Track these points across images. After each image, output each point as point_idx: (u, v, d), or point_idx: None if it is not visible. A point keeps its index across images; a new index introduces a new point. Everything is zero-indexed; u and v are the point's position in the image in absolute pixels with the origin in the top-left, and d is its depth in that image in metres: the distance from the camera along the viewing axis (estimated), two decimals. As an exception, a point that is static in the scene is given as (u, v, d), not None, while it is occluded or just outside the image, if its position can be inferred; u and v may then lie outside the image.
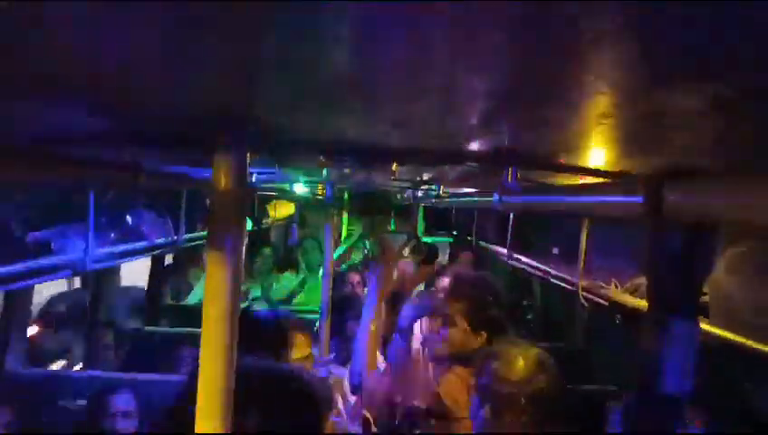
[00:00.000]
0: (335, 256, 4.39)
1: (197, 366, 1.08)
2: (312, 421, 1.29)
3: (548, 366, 1.80)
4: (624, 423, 1.37)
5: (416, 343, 2.79)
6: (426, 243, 6.55)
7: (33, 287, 3.33)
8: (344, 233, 6.49)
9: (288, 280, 5.91)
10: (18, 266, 2.18)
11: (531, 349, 1.86)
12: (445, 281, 3.79)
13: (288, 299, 5.50)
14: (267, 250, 6.05)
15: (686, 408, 1.23)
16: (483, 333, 2.32)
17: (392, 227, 7.26)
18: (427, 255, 5.60)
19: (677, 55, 0.58)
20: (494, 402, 1.75)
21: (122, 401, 2.83)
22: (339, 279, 4.35)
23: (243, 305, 4.33)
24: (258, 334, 1.62)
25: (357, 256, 5.89)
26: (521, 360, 1.79)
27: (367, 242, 5.31)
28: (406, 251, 5.64)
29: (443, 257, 6.13)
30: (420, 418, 2.22)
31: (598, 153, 1.38)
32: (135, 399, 2.85)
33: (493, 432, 1.74)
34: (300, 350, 2.10)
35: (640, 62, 0.62)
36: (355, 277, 4.45)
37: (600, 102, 0.83)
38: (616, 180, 1.48)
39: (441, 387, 2.29)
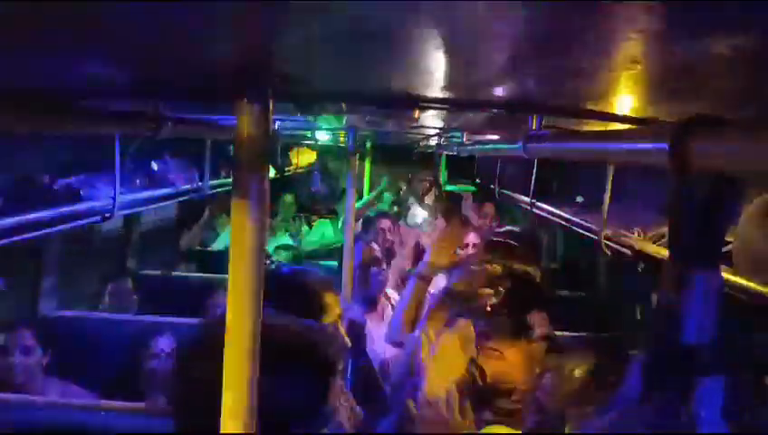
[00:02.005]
0: (359, 205, 4.39)
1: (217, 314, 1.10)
2: (316, 382, 1.29)
3: (603, 381, 1.76)
4: (644, 373, 1.38)
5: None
6: (447, 192, 6.55)
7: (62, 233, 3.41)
8: (366, 182, 6.50)
9: (323, 227, 5.90)
10: (48, 213, 2.23)
11: (588, 364, 1.80)
12: (471, 236, 3.79)
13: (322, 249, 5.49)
14: (289, 197, 6.07)
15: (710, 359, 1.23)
16: (499, 289, 2.30)
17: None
18: (448, 205, 5.60)
19: (708, 2, 0.57)
20: (550, 418, 1.73)
21: (165, 343, 2.92)
22: (368, 224, 4.31)
23: (270, 255, 4.39)
24: (285, 299, 1.56)
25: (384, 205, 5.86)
26: (577, 380, 1.75)
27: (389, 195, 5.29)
28: (428, 199, 5.63)
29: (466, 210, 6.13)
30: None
31: (624, 100, 1.36)
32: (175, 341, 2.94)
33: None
34: (330, 313, 2.03)
35: (670, 9, 0.61)
36: (386, 222, 4.28)
37: (629, 49, 0.82)
38: (641, 127, 1.46)
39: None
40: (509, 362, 2.12)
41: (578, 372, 1.75)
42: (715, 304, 1.17)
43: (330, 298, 2.02)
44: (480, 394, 2.09)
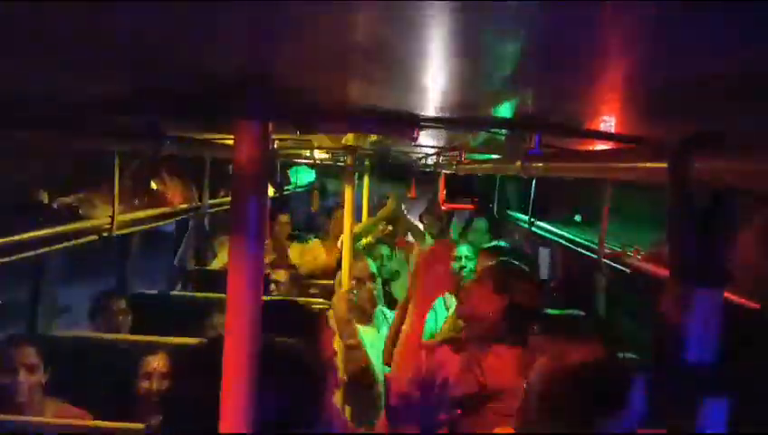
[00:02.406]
0: (357, 229, 4.38)
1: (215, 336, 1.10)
2: (308, 396, 1.31)
3: (608, 364, 1.72)
4: (647, 394, 1.37)
5: None
6: (444, 212, 6.55)
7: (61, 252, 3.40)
8: (365, 200, 6.50)
9: (312, 251, 5.88)
10: (46, 232, 2.23)
11: (589, 347, 1.76)
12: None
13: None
14: (285, 217, 6.04)
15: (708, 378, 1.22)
16: (503, 295, 2.32)
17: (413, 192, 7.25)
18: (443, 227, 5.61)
19: (705, 22, 0.57)
20: (550, 401, 1.67)
21: (159, 362, 2.89)
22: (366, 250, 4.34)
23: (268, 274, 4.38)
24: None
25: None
26: (580, 356, 1.69)
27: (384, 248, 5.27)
28: (422, 224, 5.62)
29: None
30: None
31: (623, 119, 1.37)
32: (168, 361, 2.91)
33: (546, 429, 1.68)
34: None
35: (667, 29, 0.61)
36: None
37: (626, 68, 0.82)
38: (641, 146, 1.46)
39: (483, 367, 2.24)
40: (508, 368, 2.14)
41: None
42: (717, 323, 1.16)
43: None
44: (482, 395, 2.11)
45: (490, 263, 2.58)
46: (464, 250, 4.06)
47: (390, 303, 4.04)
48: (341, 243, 4.26)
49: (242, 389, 1.09)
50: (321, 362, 1.37)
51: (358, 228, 4.54)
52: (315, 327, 1.95)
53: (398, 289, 4.98)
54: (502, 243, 3.93)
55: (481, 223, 5.73)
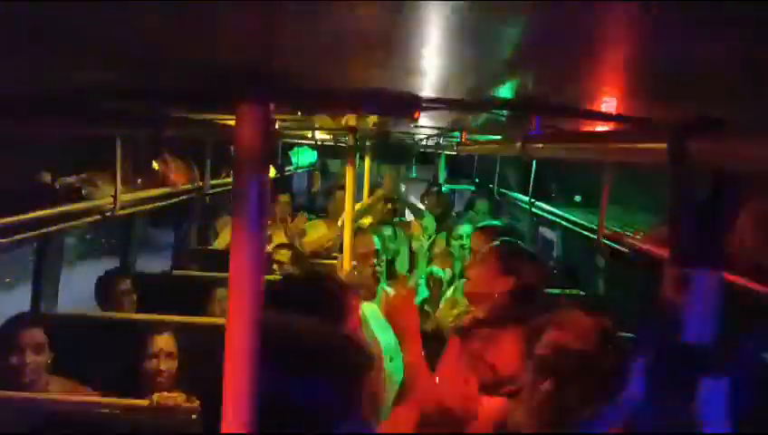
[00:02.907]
0: (357, 208, 4.38)
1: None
2: (347, 383, 1.25)
3: (610, 335, 1.71)
4: (646, 373, 1.37)
5: None
6: (445, 193, 6.55)
7: (63, 231, 3.41)
8: (366, 181, 6.50)
9: (317, 229, 5.89)
10: (48, 212, 2.24)
11: (591, 317, 1.75)
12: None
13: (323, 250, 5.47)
14: (285, 197, 6.04)
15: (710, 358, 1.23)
16: (510, 277, 2.32)
17: (414, 174, 7.24)
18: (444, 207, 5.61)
19: (707, 6, 0.57)
20: (556, 375, 1.65)
21: (165, 342, 2.91)
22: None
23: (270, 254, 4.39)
24: (307, 304, 1.50)
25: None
26: (585, 330, 1.68)
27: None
28: (425, 201, 5.64)
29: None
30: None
31: (623, 101, 1.37)
32: (176, 340, 2.93)
33: (552, 404, 1.66)
34: (353, 317, 1.95)
35: (667, 9, 0.61)
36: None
37: (626, 49, 0.82)
38: (640, 128, 1.47)
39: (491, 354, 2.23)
40: (509, 351, 2.15)
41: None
42: (716, 305, 1.17)
43: (353, 302, 1.94)
44: (489, 383, 2.12)
45: (486, 242, 2.59)
46: (466, 229, 4.08)
47: (393, 279, 4.07)
48: (342, 222, 4.26)
49: (245, 369, 1.11)
50: (357, 349, 1.31)
51: (358, 206, 4.55)
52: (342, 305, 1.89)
53: (401, 266, 5.02)
54: (496, 222, 3.94)
55: (482, 204, 5.75)
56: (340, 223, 5.95)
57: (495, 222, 3.93)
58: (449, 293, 3.96)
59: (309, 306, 1.40)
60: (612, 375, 1.60)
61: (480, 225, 3.72)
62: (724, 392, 1.23)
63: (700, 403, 1.25)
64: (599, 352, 1.64)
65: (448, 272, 4.35)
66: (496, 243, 2.48)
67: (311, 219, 6.07)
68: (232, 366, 1.11)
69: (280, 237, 5.36)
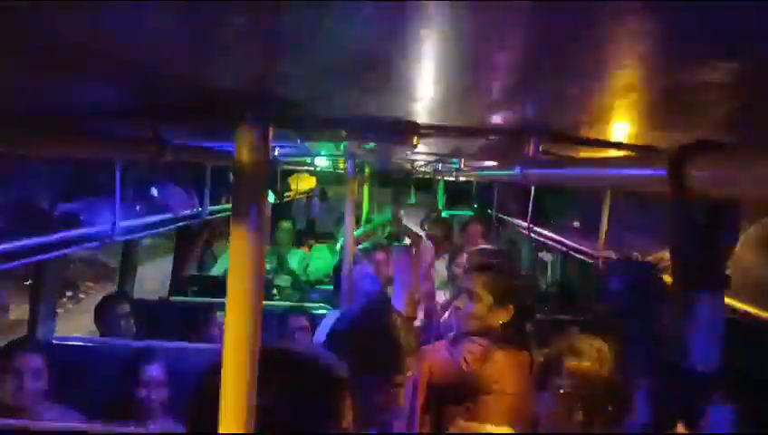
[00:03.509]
0: (357, 232, 4.38)
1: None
2: (329, 405, 1.28)
3: (618, 360, 1.69)
4: (650, 400, 1.36)
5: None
6: (445, 218, 6.55)
7: (62, 258, 3.40)
8: (365, 207, 6.50)
9: (322, 254, 5.86)
10: (47, 238, 2.23)
11: (599, 342, 1.72)
12: (463, 257, 3.79)
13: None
14: (287, 223, 6.04)
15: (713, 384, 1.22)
16: (509, 306, 2.29)
17: (413, 199, 7.25)
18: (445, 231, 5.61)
19: (703, 30, 0.57)
20: (585, 405, 1.63)
21: (154, 370, 2.88)
22: (364, 254, 4.30)
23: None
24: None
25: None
26: (601, 355, 1.66)
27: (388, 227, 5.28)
28: (425, 227, 5.64)
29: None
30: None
31: (621, 127, 1.37)
32: (166, 368, 2.90)
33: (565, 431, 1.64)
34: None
35: (665, 37, 0.61)
36: (381, 255, 4.33)
37: (624, 76, 0.83)
38: (640, 154, 1.47)
39: (470, 361, 2.22)
40: (500, 367, 2.14)
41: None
42: (720, 330, 1.16)
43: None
44: (468, 388, 2.11)
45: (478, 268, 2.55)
46: None
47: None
48: (341, 247, 4.25)
49: (242, 392, 1.09)
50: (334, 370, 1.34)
51: (358, 232, 4.55)
52: None
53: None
54: (484, 246, 3.93)
55: (476, 228, 5.73)
56: (338, 247, 5.94)
57: (484, 246, 3.92)
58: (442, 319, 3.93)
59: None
60: (628, 398, 1.59)
61: (471, 249, 3.71)
62: (729, 419, 1.22)
63: (706, 430, 1.24)
64: (616, 375, 1.63)
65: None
66: (489, 275, 2.41)
67: (309, 246, 6.07)
68: (228, 391, 1.09)
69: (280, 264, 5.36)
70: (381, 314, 1.67)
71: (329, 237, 6.73)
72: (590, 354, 1.68)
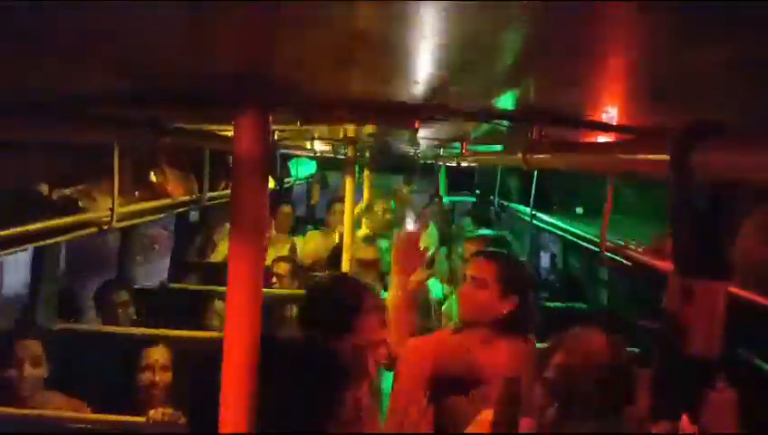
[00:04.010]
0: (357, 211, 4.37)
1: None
2: (332, 392, 1.29)
3: (620, 355, 1.69)
4: (653, 387, 1.35)
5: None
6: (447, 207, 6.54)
7: (60, 244, 3.39)
8: (365, 192, 6.49)
9: (313, 239, 5.86)
10: (45, 224, 2.22)
11: (601, 336, 1.72)
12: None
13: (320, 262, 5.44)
14: (287, 208, 6.02)
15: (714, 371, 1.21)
16: (515, 295, 2.26)
17: (414, 186, 7.23)
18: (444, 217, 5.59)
19: (706, 12, 0.56)
20: (562, 398, 1.64)
21: (159, 354, 2.88)
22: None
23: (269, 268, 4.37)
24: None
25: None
26: (594, 351, 1.67)
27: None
28: (428, 214, 5.63)
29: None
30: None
31: (624, 110, 1.36)
32: (170, 352, 2.90)
33: (561, 429, 1.65)
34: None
35: (669, 19, 0.60)
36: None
37: (628, 59, 0.81)
38: (642, 138, 1.46)
39: (480, 357, 2.20)
40: (505, 355, 2.13)
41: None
42: (722, 316, 1.15)
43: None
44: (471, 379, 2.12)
45: (477, 249, 2.54)
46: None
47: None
48: (339, 234, 4.24)
49: (243, 379, 1.09)
50: (334, 358, 1.34)
51: (356, 210, 4.55)
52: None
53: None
54: (487, 231, 3.91)
55: (476, 217, 5.72)
56: (336, 235, 5.94)
57: (487, 231, 3.90)
58: (444, 307, 3.92)
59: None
60: (622, 391, 1.59)
61: (468, 236, 3.68)
62: (731, 405, 1.21)
63: (707, 416, 1.23)
64: (608, 370, 1.63)
65: (446, 289, 4.32)
66: (496, 263, 2.34)
67: (308, 230, 6.05)
68: (229, 379, 1.09)
69: (280, 250, 5.34)
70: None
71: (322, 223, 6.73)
72: (580, 349, 1.68)
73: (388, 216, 5.55)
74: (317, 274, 4.91)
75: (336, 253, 4.59)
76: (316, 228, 6.15)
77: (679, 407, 1.23)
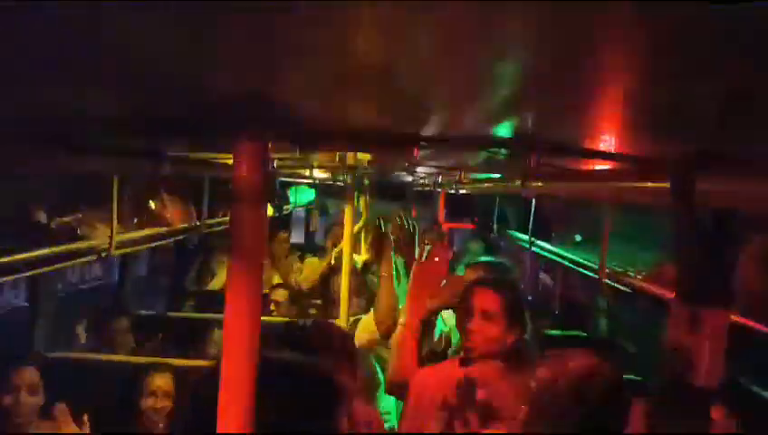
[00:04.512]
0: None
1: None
2: (328, 411, 1.30)
3: (607, 376, 1.69)
4: (656, 414, 1.34)
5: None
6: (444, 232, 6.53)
7: (58, 272, 3.38)
8: (363, 218, 6.49)
9: (311, 264, 5.86)
10: (43, 251, 2.21)
11: (589, 358, 1.73)
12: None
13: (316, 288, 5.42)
14: (284, 235, 6.02)
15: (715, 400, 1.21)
16: (518, 327, 2.23)
17: (412, 212, 7.23)
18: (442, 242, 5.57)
19: (703, 43, 0.57)
20: (554, 417, 1.65)
21: (163, 380, 2.86)
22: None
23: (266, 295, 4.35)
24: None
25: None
26: (579, 368, 1.67)
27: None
28: (426, 241, 5.61)
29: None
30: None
31: (624, 139, 1.36)
32: (173, 379, 2.87)
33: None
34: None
35: (666, 49, 0.60)
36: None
37: (626, 88, 0.82)
38: (643, 166, 1.46)
39: (486, 387, 2.16)
40: (503, 386, 2.10)
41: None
42: (724, 344, 1.15)
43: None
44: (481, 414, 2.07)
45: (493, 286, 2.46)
46: (460, 271, 3.99)
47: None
48: (335, 254, 4.21)
49: (240, 408, 1.08)
50: (323, 374, 1.35)
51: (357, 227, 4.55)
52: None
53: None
54: (487, 258, 3.89)
55: (477, 244, 5.71)
56: (335, 253, 5.92)
57: (487, 258, 3.88)
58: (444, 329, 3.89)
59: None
60: (607, 412, 1.59)
61: (468, 262, 3.65)
62: (733, 430, 1.20)
63: None
64: (590, 388, 1.63)
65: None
66: (502, 294, 2.27)
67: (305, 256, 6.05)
68: (227, 409, 1.08)
69: (277, 277, 5.33)
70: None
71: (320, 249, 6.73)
72: (557, 366, 1.68)
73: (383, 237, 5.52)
74: (314, 301, 4.90)
75: (326, 277, 4.57)
76: (314, 255, 6.14)
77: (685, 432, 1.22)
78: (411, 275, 2.54)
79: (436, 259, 2.48)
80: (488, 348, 2.19)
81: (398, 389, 2.34)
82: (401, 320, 2.42)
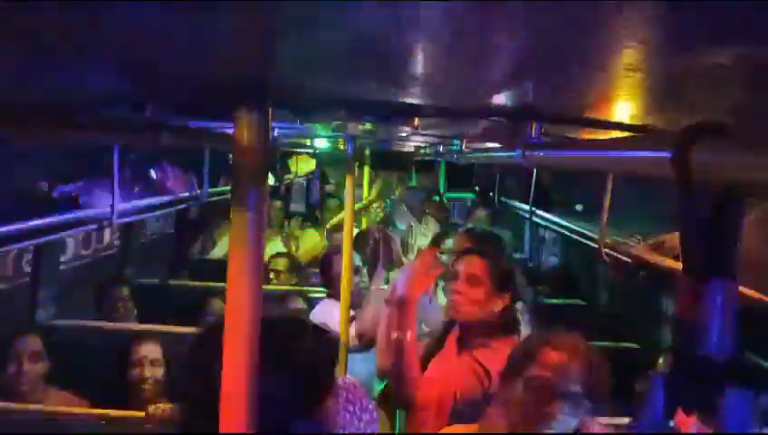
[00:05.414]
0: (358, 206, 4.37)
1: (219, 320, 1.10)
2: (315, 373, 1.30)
3: (596, 361, 1.69)
4: (667, 390, 1.34)
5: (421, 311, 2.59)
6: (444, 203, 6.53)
7: (60, 241, 3.40)
8: (365, 189, 6.49)
9: (311, 238, 5.89)
10: (45, 220, 2.22)
11: (576, 341, 1.72)
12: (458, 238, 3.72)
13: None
14: (278, 204, 6.02)
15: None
16: (507, 293, 2.22)
17: (414, 182, 7.23)
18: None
19: (708, 12, 0.56)
20: (537, 394, 1.64)
21: (148, 349, 2.86)
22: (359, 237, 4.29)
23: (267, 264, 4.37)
24: None
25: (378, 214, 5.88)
26: (586, 351, 1.68)
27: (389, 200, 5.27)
28: (427, 209, 5.62)
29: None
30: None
31: (625, 108, 1.36)
32: (162, 348, 2.88)
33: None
34: None
35: (670, 17, 0.60)
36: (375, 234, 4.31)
37: (628, 56, 0.81)
38: (643, 135, 1.46)
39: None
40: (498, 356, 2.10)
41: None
42: (734, 316, 1.15)
43: None
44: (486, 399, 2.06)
45: (479, 251, 2.43)
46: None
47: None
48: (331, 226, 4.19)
49: (242, 379, 1.09)
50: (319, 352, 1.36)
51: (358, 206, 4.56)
52: None
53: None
54: (477, 226, 3.90)
55: (481, 213, 5.73)
56: (328, 226, 5.94)
57: (476, 226, 3.89)
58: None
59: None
60: (604, 393, 1.62)
61: (461, 230, 3.64)
62: (748, 405, 1.21)
63: (724, 417, 1.23)
64: (597, 368, 1.64)
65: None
66: (491, 259, 2.28)
67: (305, 228, 6.08)
68: (230, 375, 1.09)
69: (276, 246, 5.35)
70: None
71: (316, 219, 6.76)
72: (567, 348, 1.68)
73: (380, 214, 5.55)
74: (314, 270, 4.92)
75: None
76: (312, 226, 6.18)
77: (696, 408, 1.23)
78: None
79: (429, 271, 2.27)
80: (472, 312, 2.18)
81: (404, 399, 2.20)
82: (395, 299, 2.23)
